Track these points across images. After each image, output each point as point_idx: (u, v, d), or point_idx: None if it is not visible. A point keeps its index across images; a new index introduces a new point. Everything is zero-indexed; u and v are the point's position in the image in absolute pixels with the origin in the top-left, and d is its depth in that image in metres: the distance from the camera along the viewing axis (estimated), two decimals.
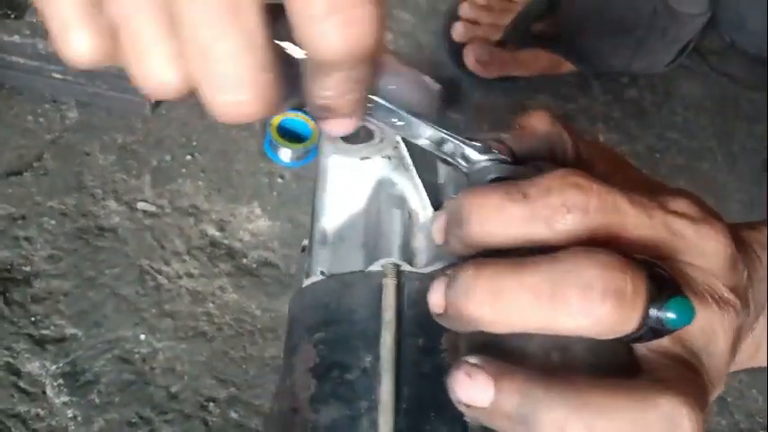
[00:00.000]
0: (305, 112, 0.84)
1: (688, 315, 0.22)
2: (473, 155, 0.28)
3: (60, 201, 0.73)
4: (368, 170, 0.30)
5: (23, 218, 0.71)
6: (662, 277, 0.22)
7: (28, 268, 0.68)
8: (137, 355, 0.66)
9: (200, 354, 0.68)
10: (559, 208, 0.23)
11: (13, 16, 0.78)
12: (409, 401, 0.25)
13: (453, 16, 1.01)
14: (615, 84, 0.98)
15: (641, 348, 0.24)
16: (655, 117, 0.97)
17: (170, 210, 0.76)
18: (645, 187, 0.26)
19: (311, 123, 0.83)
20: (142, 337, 0.67)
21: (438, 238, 0.26)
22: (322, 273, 0.28)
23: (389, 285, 0.27)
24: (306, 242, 0.31)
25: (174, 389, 0.65)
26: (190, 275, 0.72)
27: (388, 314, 0.26)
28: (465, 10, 1.00)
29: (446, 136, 0.29)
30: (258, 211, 0.77)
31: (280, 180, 0.81)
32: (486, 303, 0.22)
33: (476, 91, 0.98)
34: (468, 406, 0.23)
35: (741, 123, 1.02)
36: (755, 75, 1.00)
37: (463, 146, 0.29)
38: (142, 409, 0.63)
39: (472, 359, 0.23)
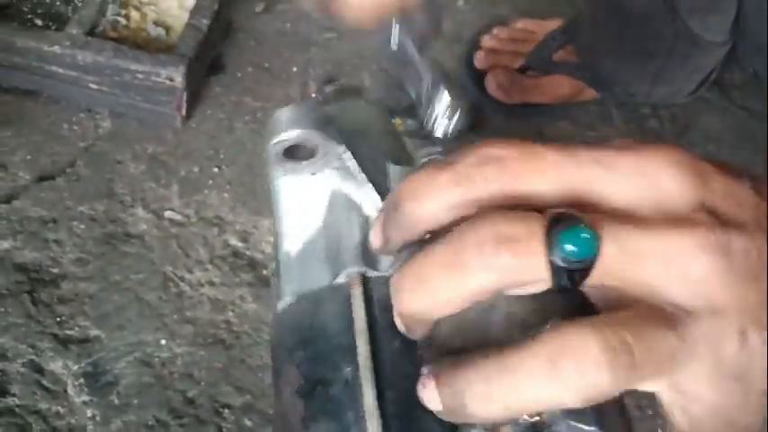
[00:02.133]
0: None
1: (589, 244, 0.21)
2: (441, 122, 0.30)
3: (90, 206, 0.76)
4: (319, 184, 0.30)
5: (54, 221, 0.73)
6: (560, 216, 0.22)
7: (56, 270, 0.71)
8: (156, 359, 0.67)
9: (217, 360, 0.69)
10: (477, 163, 0.23)
11: (53, 28, 0.82)
12: (395, 404, 0.25)
13: (476, 45, 1.03)
14: (636, 114, 0.99)
15: (596, 300, 0.24)
16: None
17: (195, 219, 0.78)
18: None
19: None
20: (163, 341, 0.69)
21: (375, 240, 0.26)
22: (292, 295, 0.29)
23: (357, 295, 0.27)
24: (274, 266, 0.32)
25: (190, 394, 0.66)
26: (211, 284, 0.73)
27: (360, 323, 0.26)
28: (486, 41, 1.03)
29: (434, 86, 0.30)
30: None
31: None
32: (415, 296, 0.23)
33: (497, 116, 0.99)
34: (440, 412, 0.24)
35: (759, 157, 1.02)
36: None
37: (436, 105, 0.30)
38: (159, 413, 0.65)
39: (425, 369, 0.24)
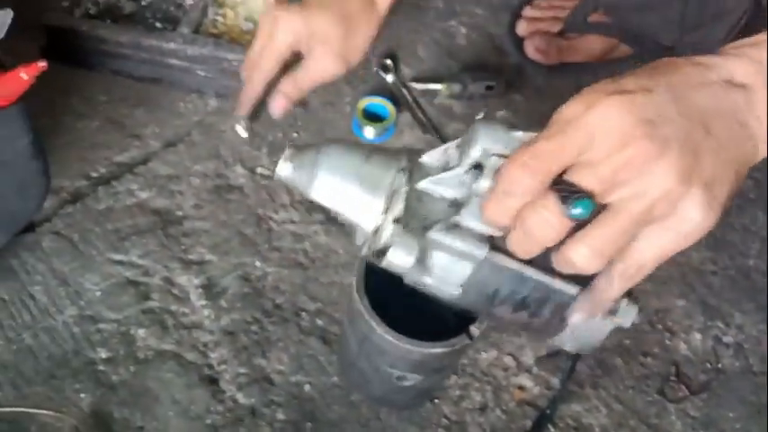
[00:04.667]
0: (386, 98, 1.04)
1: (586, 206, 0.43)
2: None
3: (203, 166, 0.99)
4: None
5: (177, 177, 0.97)
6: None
7: (180, 213, 0.94)
8: (253, 276, 0.90)
9: (297, 278, 0.90)
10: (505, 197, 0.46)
11: (169, 28, 1.05)
12: None
13: (518, 14, 1.17)
14: None
15: None
16: None
17: None
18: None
19: (389, 106, 1.03)
20: (257, 263, 0.91)
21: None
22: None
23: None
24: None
25: (278, 301, 0.88)
26: (292, 222, 0.95)
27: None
28: (528, 11, 1.15)
29: None
30: None
31: None
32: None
33: (537, 76, 1.13)
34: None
35: None
36: None
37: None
38: (255, 313, 0.87)
39: None
